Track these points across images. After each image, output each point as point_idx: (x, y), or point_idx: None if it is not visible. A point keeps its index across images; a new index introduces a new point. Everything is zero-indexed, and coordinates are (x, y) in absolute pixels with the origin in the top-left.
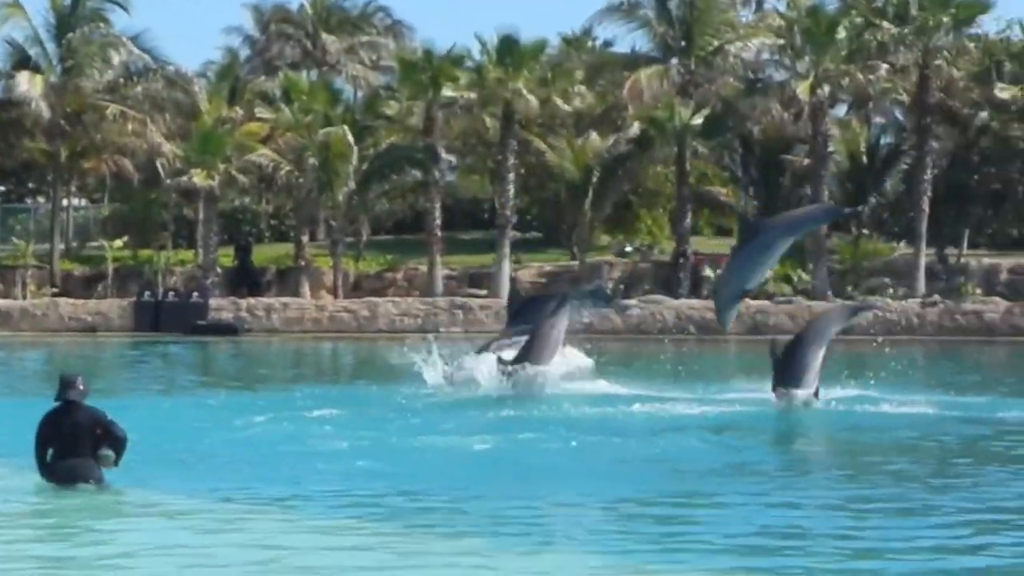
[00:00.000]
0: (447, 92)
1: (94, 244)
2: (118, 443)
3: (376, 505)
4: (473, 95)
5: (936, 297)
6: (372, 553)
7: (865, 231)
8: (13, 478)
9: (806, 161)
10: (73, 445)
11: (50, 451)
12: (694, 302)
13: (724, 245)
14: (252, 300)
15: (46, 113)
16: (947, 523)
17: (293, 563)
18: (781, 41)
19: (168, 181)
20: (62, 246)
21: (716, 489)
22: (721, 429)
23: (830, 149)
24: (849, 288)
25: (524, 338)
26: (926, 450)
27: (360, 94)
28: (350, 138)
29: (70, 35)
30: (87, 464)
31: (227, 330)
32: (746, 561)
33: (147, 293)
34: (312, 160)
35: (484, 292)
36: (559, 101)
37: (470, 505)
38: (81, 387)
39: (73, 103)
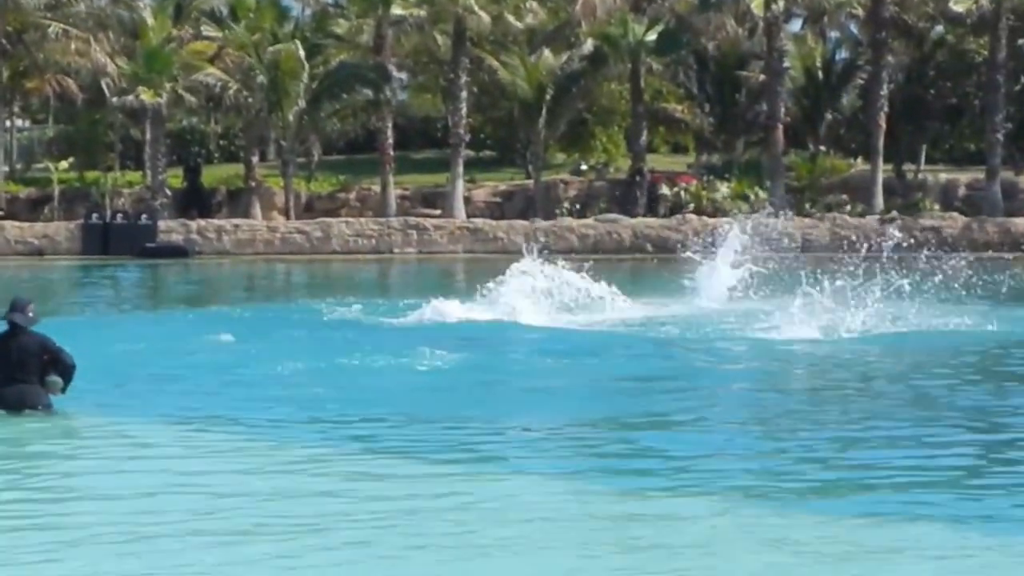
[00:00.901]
0: (397, 9)
1: (39, 166)
2: (66, 370)
3: (336, 429)
4: (423, 12)
5: (894, 213)
6: (329, 479)
7: (822, 148)
8: None
9: (761, 77)
10: (21, 370)
11: None
12: (651, 220)
13: (680, 163)
14: (202, 222)
15: None
16: None
17: (250, 486)
18: None
19: (114, 100)
20: (6, 168)
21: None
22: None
23: (785, 65)
24: (807, 205)
25: None
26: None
27: (308, 12)
28: (301, 54)
29: None
30: (34, 390)
31: (177, 252)
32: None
33: (95, 215)
34: (261, 79)
35: (438, 212)
36: (511, 17)
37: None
38: (31, 314)
39: (14, 21)
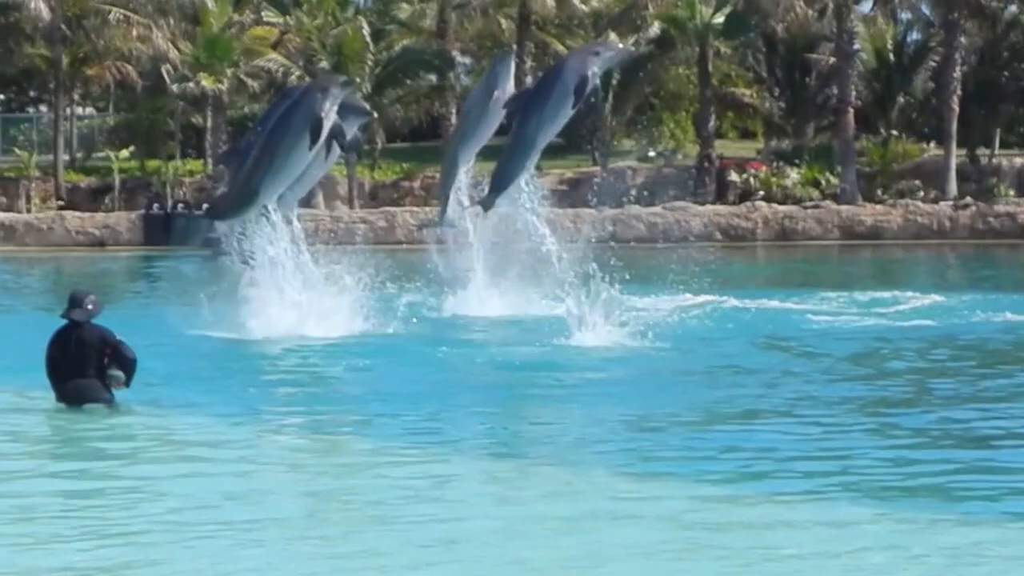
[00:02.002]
0: None
1: (99, 155)
2: (127, 364)
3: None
4: None
5: (968, 199)
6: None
7: (894, 132)
8: (25, 398)
9: (832, 60)
10: (81, 365)
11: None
12: (720, 208)
13: (750, 148)
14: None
15: (46, 15)
16: None
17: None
18: None
19: (174, 87)
20: (66, 157)
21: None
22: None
23: (856, 47)
24: (879, 191)
25: None
26: None
27: None
28: (366, 33)
29: None
30: (95, 385)
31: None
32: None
33: (156, 205)
34: (324, 64)
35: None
36: (576, 1)
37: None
38: (90, 307)
39: (74, 7)
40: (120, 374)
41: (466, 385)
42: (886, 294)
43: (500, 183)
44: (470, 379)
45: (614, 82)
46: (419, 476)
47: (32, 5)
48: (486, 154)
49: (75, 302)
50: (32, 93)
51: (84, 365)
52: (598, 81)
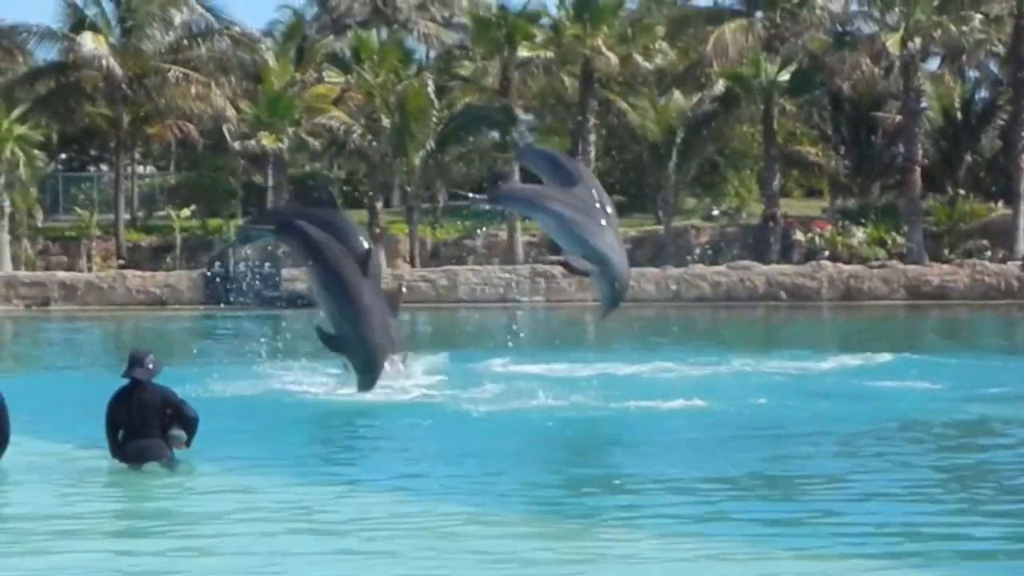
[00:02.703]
0: (523, 51)
1: (160, 213)
2: (189, 424)
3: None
4: (550, 53)
5: None
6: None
7: (961, 191)
8: (86, 458)
9: (898, 118)
10: (142, 425)
11: (120, 432)
12: (785, 267)
13: (815, 207)
14: None
15: (118, 71)
16: None
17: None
18: None
19: (235, 146)
20: (127, 216)
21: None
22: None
23: (923, 105)
24: (946, 251)
25: None
26: None
27: (432, 53)
28: (431, 90)
29: None
30: (156, 444)
31: (301, 301)
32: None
33: (217, 264)
34: (386, 122)
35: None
36: (640, 58)
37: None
38: (150, 365)
39: (134, 66)
40: (182, 434)
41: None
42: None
43: None
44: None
45: (678, 140)
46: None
47: (104, 63)
48: None
49: (135, 361)
50: (93, 152)
51: (145, 425)
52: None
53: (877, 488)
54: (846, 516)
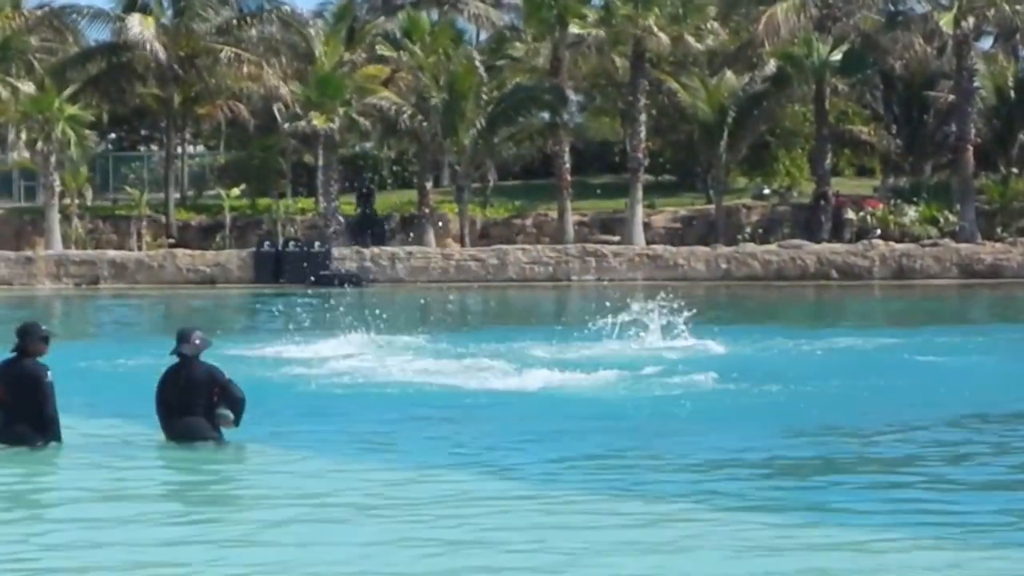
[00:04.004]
0: (574, 30)
1: (210, 193)
2: (236, 404)
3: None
4: (602, 33)
5: None
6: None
7: (1014, 170)
8: (136, 434)
9: (951, 97)
10: (189, 403)
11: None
12: (836, 246)
13: (866, 186)
14: (376, 249)
15: (162, 55)
16: None
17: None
18: None
19: (286, 126)
20: (177, 195)
21: None
22: None
23: (976, 84)
24: (999, 229)
25: None
26: None
27: (483, 34)
28: (480, 68)
29: None
30: (201, 422)
31: (351, 280)
32: None
33: (267, 243)
34: (436, 102)
35: (617, 239)
36: (691, 39)
37: None
38: (197, 342)
39: (186, 46)
40: (229, 413)
41: None
42: None
43: None
44: None
45: (729, 119)
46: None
47: (148, 47)
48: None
49: (183, 338)
50: (143, 132)
51: (193, 403)
52: None
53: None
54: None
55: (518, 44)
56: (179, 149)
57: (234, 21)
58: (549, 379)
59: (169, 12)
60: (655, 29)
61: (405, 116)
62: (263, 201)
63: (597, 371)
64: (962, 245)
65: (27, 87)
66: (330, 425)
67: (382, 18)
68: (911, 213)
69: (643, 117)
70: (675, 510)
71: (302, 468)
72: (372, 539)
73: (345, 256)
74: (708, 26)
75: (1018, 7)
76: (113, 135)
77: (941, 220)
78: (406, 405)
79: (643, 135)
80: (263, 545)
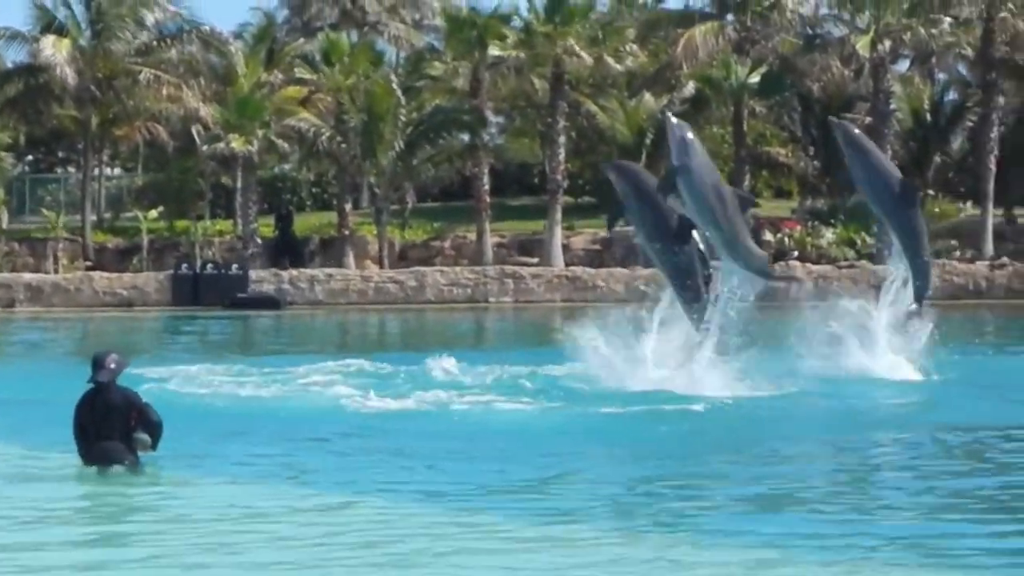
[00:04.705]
0: (494, 51)
1: (128, 215)
2: (153, 428)
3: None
4: (521, 54)
5: (1004, 259)
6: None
7: (931, 192)
8: (51, 458)
9: (868, 120)
10: (107, 428)
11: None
12: None
13: (784, 207)
14: (294, 271)
15: (71, 80)
16: None
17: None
18: None
19: (204, 148)
20: (94, 217)
21: None
22: None
23: (892, 107)
24: None
25: None
26: None
27: (403, 55)
28: (397, 89)
29: None
30: (118, 447)
31: (269, 303)
32: None
33: (184, 266)
34: (355, 123)
35: (535, 260)
36: (610, 60)
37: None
38: (112, 365)
39: (104, 68)
40: (146, 437)
41: None
42: None
43: None
44: None
45: (648, 141)
46: None
47: (58, 71)
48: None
49: (98, 364)
50: (61, 154)
51: (110, 428)
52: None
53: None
54: None
55: (437, 64)
56: (97, 171)
57: (154, 42)
58: (456, 400)
59: (87, 33)
60: (575, 50)
61: (324, 138)
62: (181, 223)
63: (516, 394)
64: (879, 267)
65: None
66: (246, 448)
67: (301, 39)
68: (829, 235)
69: (562, 139)
70: (587, 530)
71: (218, 492)
72: (283, 561)
73: (263, 278)
74: (627, 48)
75: (934, 31)
76: (30, 157)
77: (858, 242)
78: (321, 427)
79: (562, 157)
80: (178, 568)
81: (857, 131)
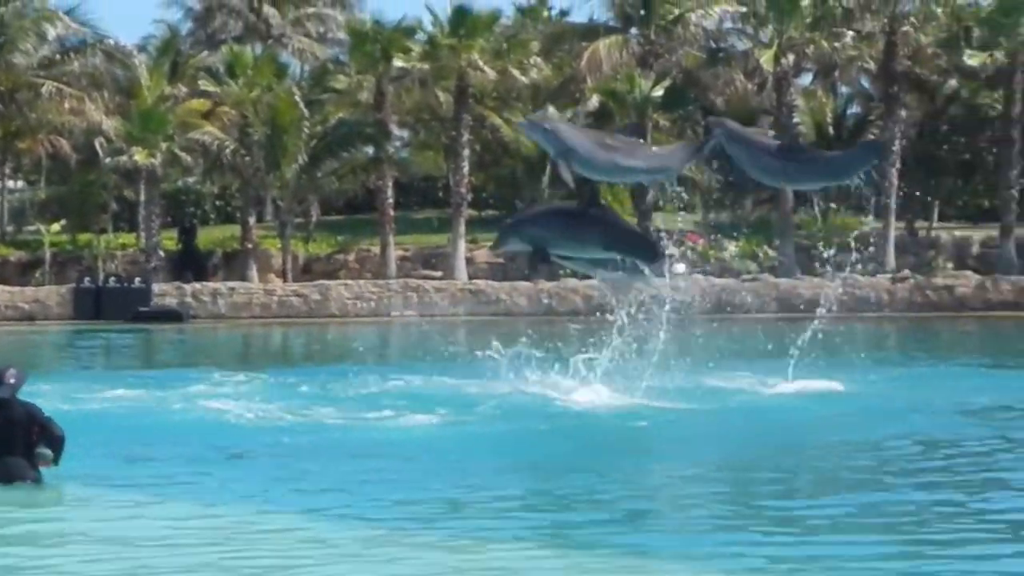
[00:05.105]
0: (398, 64)
1: (30, 228)
2: (56, 442)
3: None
4: (426, 67)
5: (907, 272)
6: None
7: (833, 205)
8: None
9: (771, 133)
10: (8, 443)
11: None
12: (657, 281)
13: (688, 221)
14: (197, 285)
15: None
16: None
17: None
18: (743, 9)
19: (107, 161)
20: None
21: None
22: None
23: (795, 120)
24: (817, 265)
25: None
26: None
27: (307, 68)
28: (299, 100)
29: (1, 9)
30: (20, 463)
31: (172, 316)
32: None
33: (87, 279)
34: (259, 136)
35: (439, 274)
36: (515, 73)
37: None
38: (12, 380)
39: (6, 81)
40: (48, 452)
41: None
42: None
43: None
44: None
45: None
46: None
47: None
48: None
49: None
50: None
51: (12, 443)
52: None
53: None
54: None
55: (342, 77)
56: None
57: (57, 55)
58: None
59: None
60: (479, 63)
61: (228, 151)
62: (84, 236)
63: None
64: (781, 280)
65: None
66: (149, 465)
67: (205, 52)
68: (731, 248)
69: (466, 152)
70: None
71: (122, 510)
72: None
73: (166, 292)
74: (531, 61)
75: (836, 44)
76: None
77: (761, 255)
78: (226, 442)
79: (466, 170)
80: None
81: (733, 124)
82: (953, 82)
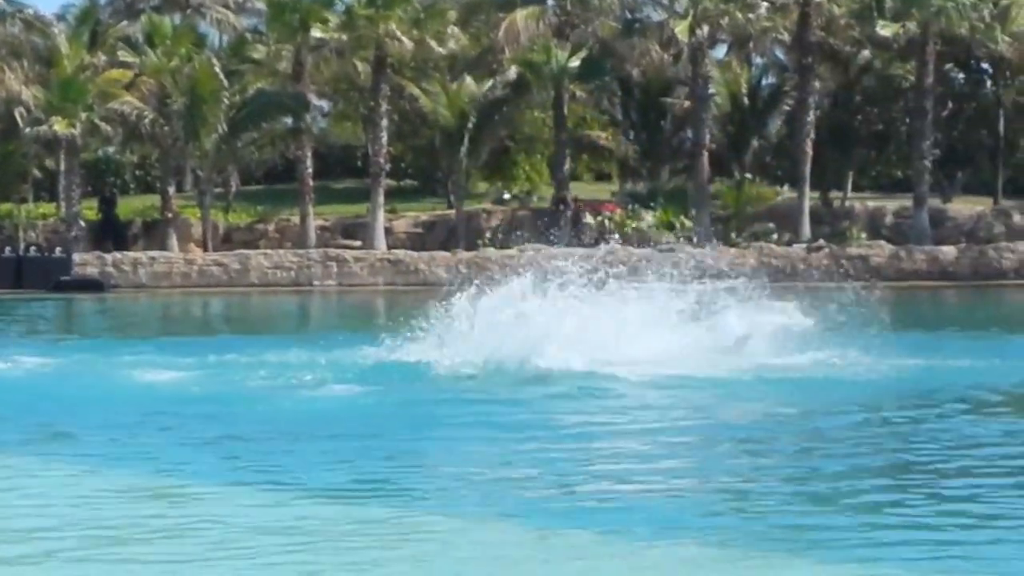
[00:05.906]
0: (317, 34)
1: None
2: None
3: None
4: (344, 37)
5: (821, 242)
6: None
7: (748, 175)
8: None
9: (686, 104)
10: None
11: None
12: (575, 250)
13: (604, 190)
14: (118, 254)
15: None
16: None
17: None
18: None
19: (27, 131)
20: None
21: None
22: None
23: (711, 91)
24: (733, 234)
25: None
26: None
27: (225, 38)
28: (219, 73)
29: None
30: None
31: (92, 286)
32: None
33: (7, 248)
34: (178, 106)
35: (358, 243)
36: (433, 43)
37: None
38: None
39: None
40: None
41: None
42: None
43: None
44: None
45: (470, 125)
46: None
47: None
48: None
49: None
50: None
51: None
52: None
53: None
54: None
55: (260, 47)
56: None
57: None
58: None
59: None
60: (396, 33)
61: (147, 121)
62: (4, 206)
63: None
64: (697, 250)
65: None
66: (63, 435)
67: (124, 22)
68: (648, 218)
69: (385, 122)
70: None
71: (60, 488)
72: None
73: (87, 261)
74: (449, 31)
75: (751, 15)
76: None
77: (677, 225)
78: (147, 408)
79: (385, 140)
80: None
81: None
82: (866, 53)
